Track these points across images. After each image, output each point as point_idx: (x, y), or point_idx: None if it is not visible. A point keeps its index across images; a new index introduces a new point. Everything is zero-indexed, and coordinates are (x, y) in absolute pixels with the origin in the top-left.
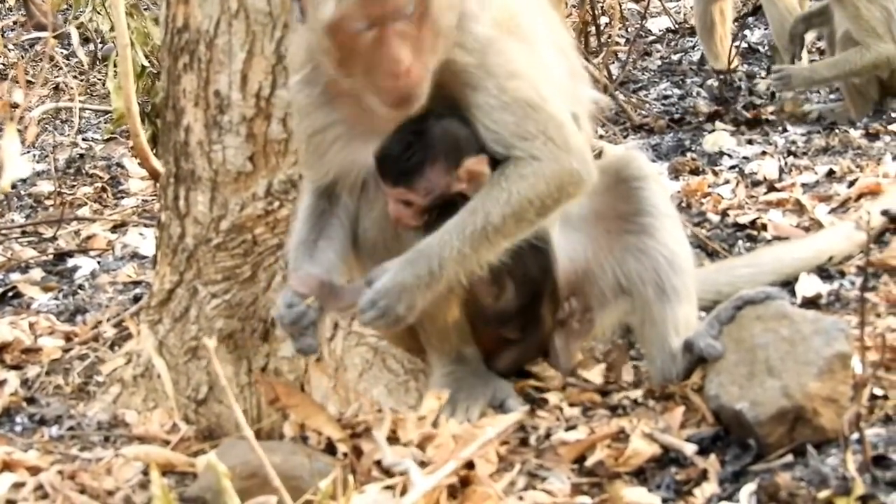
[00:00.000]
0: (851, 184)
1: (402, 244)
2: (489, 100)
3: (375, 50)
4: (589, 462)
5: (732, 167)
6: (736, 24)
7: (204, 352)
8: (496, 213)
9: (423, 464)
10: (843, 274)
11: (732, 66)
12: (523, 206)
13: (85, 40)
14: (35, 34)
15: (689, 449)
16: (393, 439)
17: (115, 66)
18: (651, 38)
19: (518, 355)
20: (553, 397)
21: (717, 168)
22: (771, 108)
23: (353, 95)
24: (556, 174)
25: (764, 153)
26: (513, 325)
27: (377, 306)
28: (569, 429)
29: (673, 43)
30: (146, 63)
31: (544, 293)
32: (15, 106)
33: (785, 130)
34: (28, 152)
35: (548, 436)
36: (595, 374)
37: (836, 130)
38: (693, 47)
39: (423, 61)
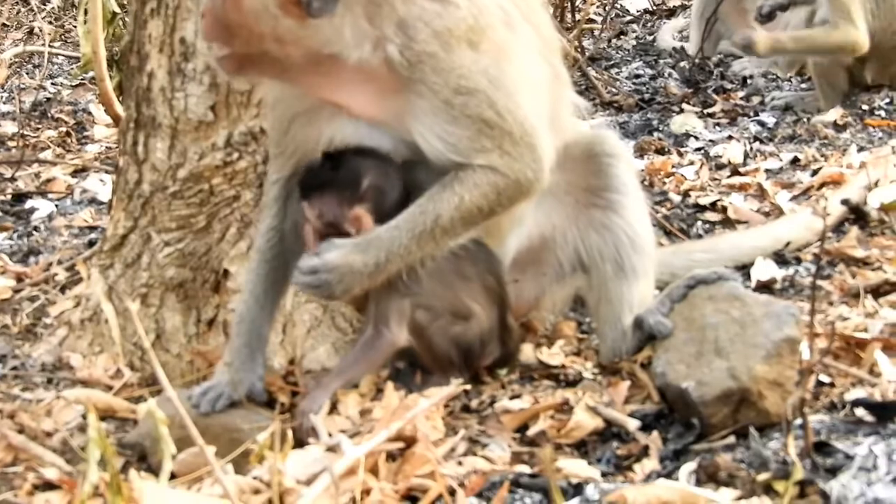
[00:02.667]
0: (815, 172)
1: None
2: (436, 112)
3: None
4: (531, 432)
5: (698, 149)
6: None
7: (153, 299)
8: (446, 216)
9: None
10: (799, 260)
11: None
12: (472, 212)
13: None
14: None
15: (632, 424)
16: (334, 412)
17: (86, 11)
18: (628, 17)
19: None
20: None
21: (682, 149)
22: (741, 94)
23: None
24: (510, 185)
25: (730, 137)
26: (494, 346)
27: (317, 277)
28: (513, 397)
29: (649, 24)
30: (118, 9)
31: (505, 299)
32: None
33: (756, 115)
34: None
35: (491, 403)
36: (551, 357)
37: (804, 119)
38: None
39: (223, 29)
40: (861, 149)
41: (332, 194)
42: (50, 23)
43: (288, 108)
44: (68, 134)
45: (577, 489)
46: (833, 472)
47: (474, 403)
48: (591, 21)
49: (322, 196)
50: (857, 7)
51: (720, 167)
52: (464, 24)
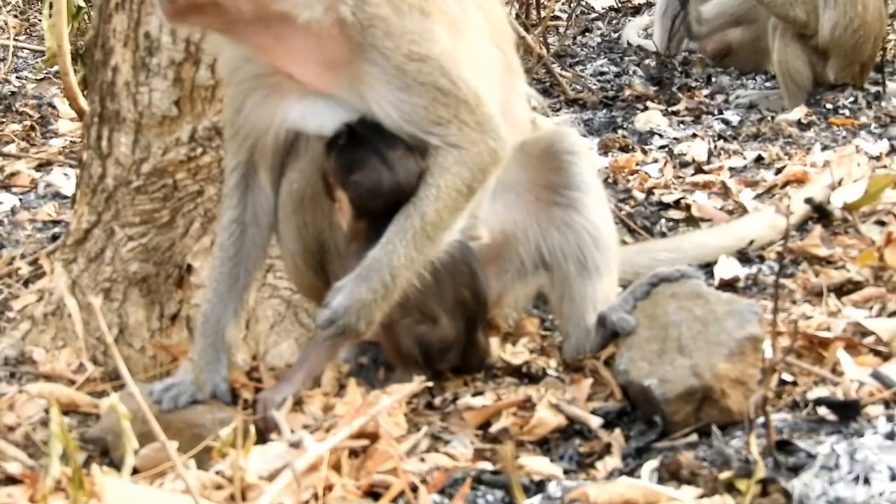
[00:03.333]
0: (779, 171)
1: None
2: (389, 80)
3: None
4: (493, 428)
5: (662, 147)
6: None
7: (116, 294)
8: (430, 211)
9: (328, 430)
10: (762, 259)
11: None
12: (453, 197)
13: None
14: None
15: (595, 422)
16: (298, 410)
17: (50, 5)
18: (593, 14)
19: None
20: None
21: (646, 147)
22: (706, 92)
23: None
24: (476, 158)
25: (695, 135)
26: (454, 355)
27: (336, 325)
28: (475, 394)
29: (614, 21)
30: (82, 4)
31: (479, 318)
32: None
33: (720, 113)
34: None
35: (454, 400)
36: (515, 356)
37: (768, 118)
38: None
39: None
40: (825, 147)
41: (330, 160)
42: (15, 16)
43: (242, 84)
44: (32, 128)
45: (540, 486)
46: (795, 470)
47: (437, 401)
48: (557, 18)
49: (328, 155)
50: None
51: (684, 165)
52: None
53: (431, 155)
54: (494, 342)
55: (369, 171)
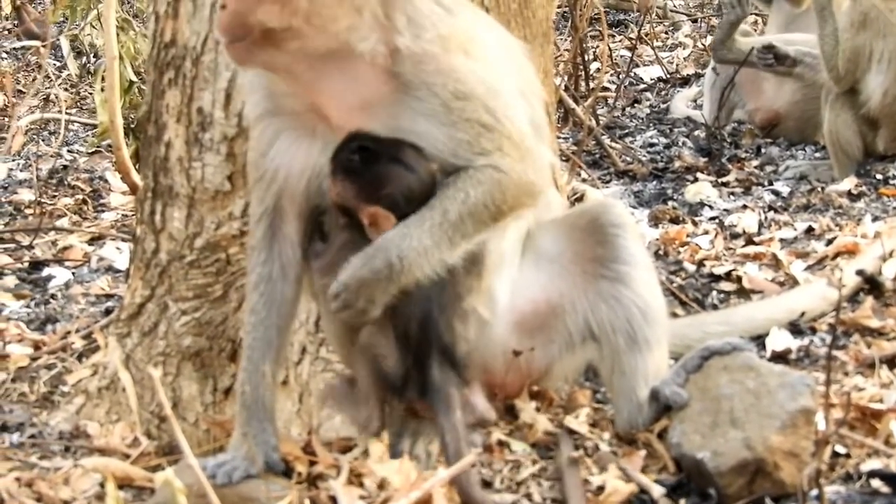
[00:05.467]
0: (830, 242)
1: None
2: (435, 115)
3: None
4: None
5: (712, 218)
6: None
7: (170, 367)
8: (453, 211)
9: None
10: (814, 330)
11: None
12: (479, 209)
13: (78, 53)
14: (26, 42)
15: (657, 491)
16: (352, 481)
17: (103, 79)
18: (642, 86)
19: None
20: (512, 439)
21: (697, 218)
22: (756, 163)
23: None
24: (513, 184)
25: (745, 206)
26: (412, 389)
27: (340, 299)
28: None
29: (663, 92)
30: (134, 78)
31: (430, 354)
32: (2, 113)
33: (770, 184)
34: (12, 160)
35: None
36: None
37: (818, 189)
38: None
39: (251, 9)
40: (875, 218)
41: (352, 183)
42: (65, 90)
43: (273, 125)
44: (85, 201)
45: None
46: None
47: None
48: (605, 89)
49: (344, 181)
50: (829, 53)
51: (735, 236)
52: (463, 35)
53: (469, 169)
54: (530, 410)
55: (398, 180)
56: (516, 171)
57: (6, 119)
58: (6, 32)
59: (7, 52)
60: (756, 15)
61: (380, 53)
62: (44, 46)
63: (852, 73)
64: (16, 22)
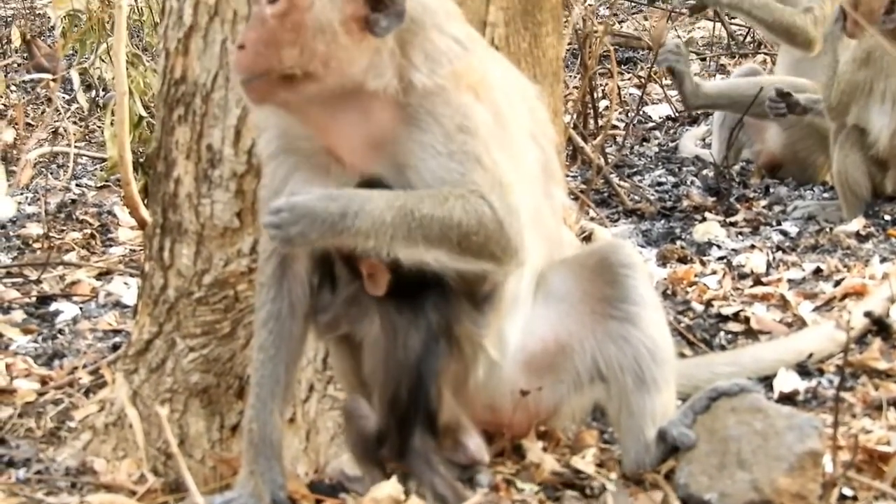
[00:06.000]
0: (838, 283)
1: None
2: (435, 144)
3: None
4: None
5: (721, 258)
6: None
7: (177, 404)
8: (427, 206)
9: None
10: (821, 372)
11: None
12: (450, 222)
13: (87, 87)
14: (36, 76)
15: None
16: None
17: (112, 113)
18: (650, 124)
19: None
20: (519, 479)
21: (705, 258)
22: (764, 203)
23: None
24: (489, 223)
25: (753, 246)
26: (389, 448)
27: (278, 216)
28: None
29: (672, 131)
30: (144, 113)
31: (415, 421)
32: (12, 146)
33: (778, 224)
34: (21, 194)
35: None
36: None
37: (827, 229)
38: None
39: (271, 51)
40: (884, 259)
41: None
42: (74, 122)
43: (286, 164)
44: (93, 236)
45: None
46: None
47: None
48: (614, 127)
49: None
50: (828, 11)
51: (743, 276)
52: (475, 74)
53: (459, 187)
54: (537, 450)
55: None
56: (499, 214)
57: (15, 152)
58: (16, 65)
59: (16, 85)
60: (766, 55)
61: (392, 87)
62: (54, 80)
63: (845, 105)
64: (26, 55)
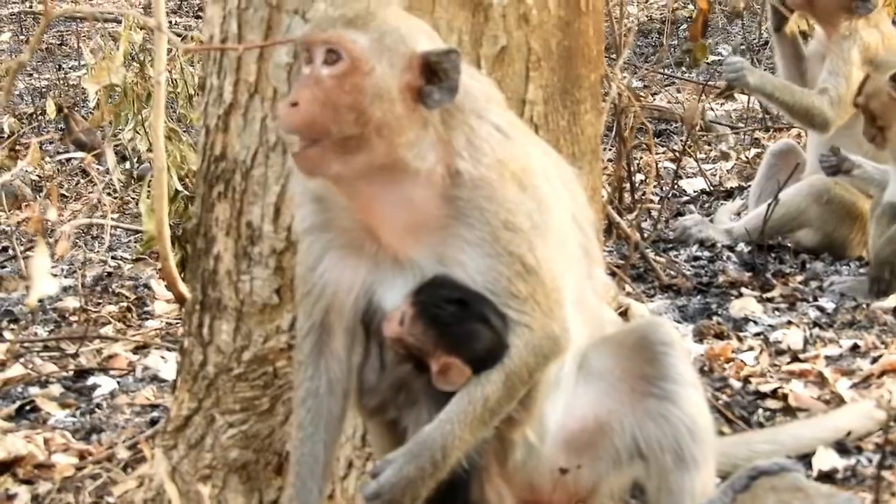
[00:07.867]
0: (875, 360)
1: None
2: (482, 244)
3: None
4: None
5: (757, 334)
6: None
7: (216, 480)
8: (494, 398)
9: None
10: (860, 450)
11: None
12: (515, 385)
13: (122, 158)
14: (73, 154)
15: None
16: None
17: (149, 187)
18: (685, 198)
19: None
20: None
21: (741, 334)
22: (800, 278)
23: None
24: (541, 343)
25: (790, 322)
26: None
27: (382, 499)
28: None
29: (707, 205)
30: (179, 187)
31: None
32: (47, 222)
33: (815, 300)
34: (57, 267)
35: None
36: None
37: (863, 305)
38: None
39: (326, 113)
40: None
41: (437, 331)
42: (108, 194)
43: (320, 239)
44: (129, 309)
45: None
46: None
47: None
48: (650, 201)
49: (427, 327)
50: (844, 94)
51: (780, 353)
52: (517, 163)
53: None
54: None
55: (485, 339)
56: (544, 327)
57: (49, 223)
58: (50, 139)
59: (50, 156)
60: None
61: (437, 174)
62: (94, 156)
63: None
64: (62, 127)
